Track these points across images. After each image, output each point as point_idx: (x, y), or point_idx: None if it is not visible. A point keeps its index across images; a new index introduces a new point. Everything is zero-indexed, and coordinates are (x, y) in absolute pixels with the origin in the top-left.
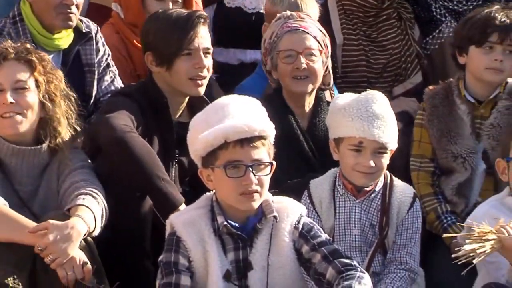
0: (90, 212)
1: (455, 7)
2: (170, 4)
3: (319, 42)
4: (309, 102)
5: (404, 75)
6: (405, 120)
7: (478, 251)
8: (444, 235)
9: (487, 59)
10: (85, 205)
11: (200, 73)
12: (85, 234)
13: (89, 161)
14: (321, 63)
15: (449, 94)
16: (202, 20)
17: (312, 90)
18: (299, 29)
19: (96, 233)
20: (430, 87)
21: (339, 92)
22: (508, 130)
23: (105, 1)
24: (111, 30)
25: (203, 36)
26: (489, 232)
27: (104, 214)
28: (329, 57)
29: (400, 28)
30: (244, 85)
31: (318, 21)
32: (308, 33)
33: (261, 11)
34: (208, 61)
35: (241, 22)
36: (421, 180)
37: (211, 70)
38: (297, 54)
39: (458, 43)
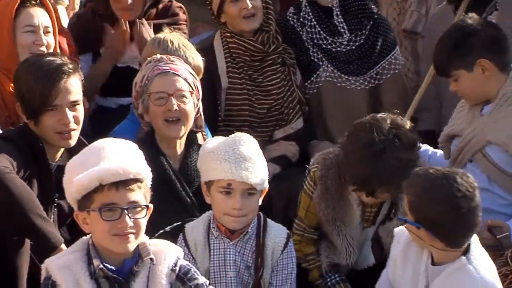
0: None
1: (329, 46)
2: (43, 36)
3: (189, 84)
4: (180, 143)
5: (286, 120)
6: (284, 164)
7: None
8: None
9: None
10: None
11: (65, 128)
12: None
13: None
14: (192, 105)
15: (341, 176)
16: (65, 76)
17: (185, 132)
18: (169, 72)
19: None
20: (325, 156)
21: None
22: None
23: None
24: None
25: (68, 90)
26: None
27: None
28: (200, 100)
29: (283, 73)
30: (117, 131)
31: (205, 64)
32: (178, 75)
33: (132, 66)
34: (77, 113)
35: (115, 74)
36: (303, 242)
37: (81, 120)
38: (168, 96)
39: None
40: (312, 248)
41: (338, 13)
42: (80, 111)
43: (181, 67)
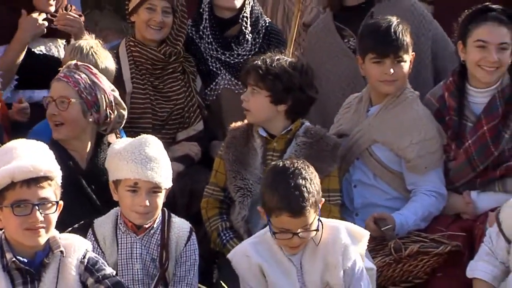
0: None
1: (227, 59)
2: None
3: (79, 92)
4: (86, 145)
5: (188, 123)
6: (187, 163)
7: None
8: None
9: None
10: None
11: None
12: None
13: None
14: (78, 111)
15: (249, 129)
16: None
17: (71, 136)
18: (61, 79)
19: None
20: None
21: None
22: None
23: None
24: None
25: None
26: None
27: None
28: (101, 108)
29: (184, 80)
30: (35, 129)
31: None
32: (67, 82)
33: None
34: None
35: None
36: (210, 204)
37: None
38: (52, 101)
39: None
40: (216, 211)
41: (246, 25)
42: None
43: (78, 75)
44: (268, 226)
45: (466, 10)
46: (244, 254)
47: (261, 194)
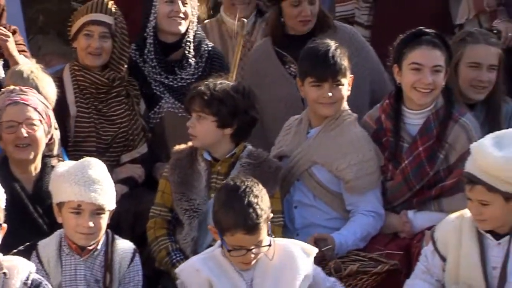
0: None
1: (170, 83)
2: None
3: (39, 113)
4: (34, 168)
5: (132, 145)
6: (131, 184)
7: None
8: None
9: None
10: None
11: None
12: None
13: None
14: (42, 132)
15: (193, 152)
16: None
17: (36, 156)
18: (19, 102)
19: None
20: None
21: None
22: None
23: None
24: None
25: None
26: None
27: None
28: (53, 127)
29: (128, 104)
30: None
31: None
32: (28, 105)
33: None
34: None
35: None
36: (157, 225)
37: None
38: (18, 124)
39: None
40: (164, 231)
41: (189, 49)
42: None
43: (32, 97)
44: (216, 244)
45: (401, 35)
46: (193, 269)
47: (213, 213)
